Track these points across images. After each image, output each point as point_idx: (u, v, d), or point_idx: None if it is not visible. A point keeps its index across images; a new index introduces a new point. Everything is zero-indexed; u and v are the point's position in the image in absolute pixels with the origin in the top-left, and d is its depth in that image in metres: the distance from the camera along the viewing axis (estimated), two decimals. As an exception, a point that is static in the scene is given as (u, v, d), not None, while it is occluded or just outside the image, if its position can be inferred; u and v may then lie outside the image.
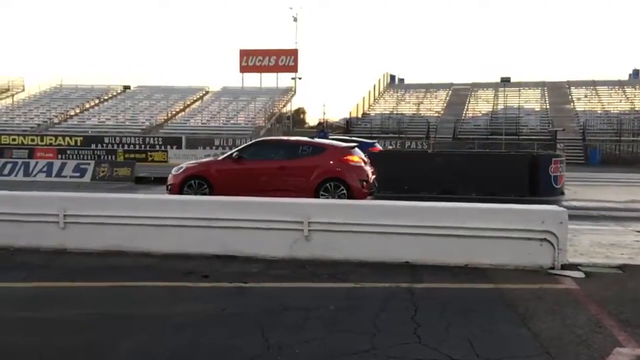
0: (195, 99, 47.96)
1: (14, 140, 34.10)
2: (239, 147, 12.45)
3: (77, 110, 44.47)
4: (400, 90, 51.18)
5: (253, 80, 50.58)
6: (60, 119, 42.25)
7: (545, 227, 6.61)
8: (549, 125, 38.78)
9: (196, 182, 11.19)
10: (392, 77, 53.61)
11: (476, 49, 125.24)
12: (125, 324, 4.76)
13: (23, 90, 49.32)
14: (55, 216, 7.49)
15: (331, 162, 11.13)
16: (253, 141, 12.72)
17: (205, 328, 4.69)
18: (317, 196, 10.53)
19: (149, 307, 5.24)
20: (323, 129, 18.99)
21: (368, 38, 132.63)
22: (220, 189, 10.71)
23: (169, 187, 11.58)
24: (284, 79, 50.32)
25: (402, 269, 6.67)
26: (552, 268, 6.54)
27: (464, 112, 43.99)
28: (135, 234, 7.39)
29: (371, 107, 46.96)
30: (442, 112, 44.32)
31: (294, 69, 49.72)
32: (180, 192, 10.99)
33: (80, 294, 5.66)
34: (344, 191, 10.79)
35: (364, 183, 11.09)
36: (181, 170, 11.62)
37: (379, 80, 50.98)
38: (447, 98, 47.86)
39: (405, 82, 53.99)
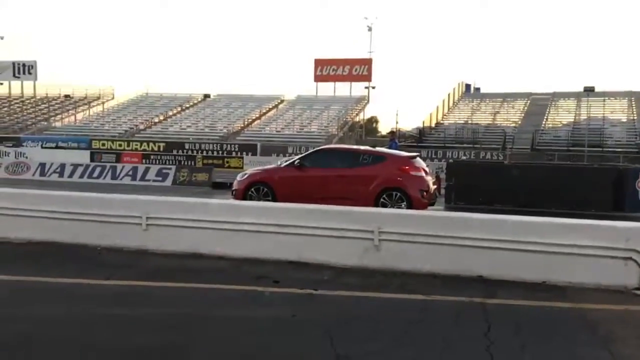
0: (270, 107, 48.98)
1: (103, 145, 36.19)
2: (302, 155, 12.60)
3: (161, 118, 46.56)
4: (476, 100, 49.91)
5: (327, 89, 51.07)
6: (145, 125, 44.39)
7: (630, 245, 6.25)
8: (636, 137, 36.54)
9: (259, 188, 11.45)
10: (468, 86, 52.40)
11: (557, 57, 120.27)
12: (199, 324, 4.93)
13: (113, 98, 52.26)
14: (138, 218, 7.90)
15: (391, 171, 11.07)
16: (315, 149, 12.79)
17: (275, 333, 4.78)
18: (377, 205, 10.50)
19: (222, 309, 5.41)
20: (394, 137, 18.82)
21: (443, 46, 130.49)
22: (282, 196, 10.89)
23: (234, 192, 11.89)
24: (357, 88, 50.44)
25: (474, 283, 6.51)
26: (638, 289, 6.16)
27: (544, 123, 42.23)
28: (211, 238, 7.65)
29: (445, 117, 46.09)
30: (519, 122, 42.78)
31: (367, 78, 49.70)
32: (244, 198, 11.27)
33: (158, 293, 5.93)
34: (404, 201, 10.73)
35: (424, 193, 10.98)
36: (245, 177, 11.94)
37: (454, 89, 49.97)
38: (525, 108, 46.14)
39: (481, 91, 52.58)
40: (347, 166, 11.36)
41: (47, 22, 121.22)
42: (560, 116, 43.67)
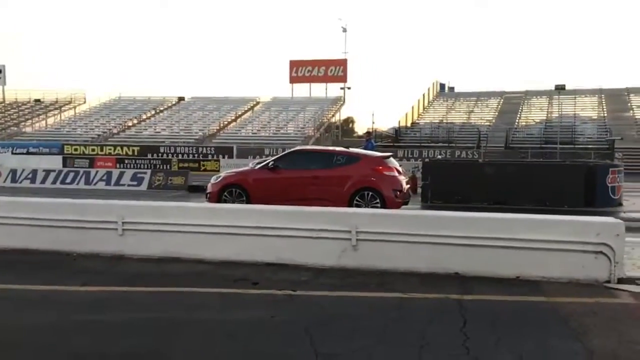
0: (246, 109, 48.89)
1: (75, 150, 35.64)
2: (275, 157, 12.62)
3: (135, 121, 46.10)
4: (450, 99, 50.56)
5: (303, 90, 51.23)
6: (118, 129, 43.90)
7: (600, 239, 6.41)
8: (606, 134, 37.42)
9: (234, 190, 11.47)
10: (442, 86, 53.10)
11: (529, 56, 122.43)
12: (179, 328, 4.92)
13: (84, 102, 51.60)
14: (114, 223, 7.82)
15: (365, 171, 11.18)
16: (288, 151, 12.85)
17: (255, 335, 4.79)
18: (351, 205, 10.58)
19: (201, 312, 5.40)
20: (370, 137, 18.97)
21: (417, 46, 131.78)
22: (256, 198, 10.93)
23: (208, 195, 11.89)
24: (333, 89, 50.76)
25: (451, 280, 6.61)
26: (608, 282, 6.33)
27: (517, 121, 43.00)
28: (189, 241, 7.62)
29: (420, 116, 46.59)
30: (493, 120, 43.49)
31: (343, 79, 50.01)
32: (219, 201, 11.28)
33: (135, 299, 5.89)
34: (378, 201, 10.83)
35: (398, 192, 11.13)
36: (219, 179, 11.95)
37: (429, 89, 50.57)
38: (499, 106, 46.93)
39: (456, 90, 53.35)
40: (321, 167, 11.45)
41: (15, 25, 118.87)
42: (533, 114, 44.51)
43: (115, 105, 50.20)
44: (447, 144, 37.62)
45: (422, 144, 37.28)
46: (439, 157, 30.35)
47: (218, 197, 11.45)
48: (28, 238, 8.03)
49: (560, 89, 40.37)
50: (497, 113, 45.46)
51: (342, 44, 66.92)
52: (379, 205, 10.67)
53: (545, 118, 43.10)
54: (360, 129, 71.24)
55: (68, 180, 19.36)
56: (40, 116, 49.13)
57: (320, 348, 4.42)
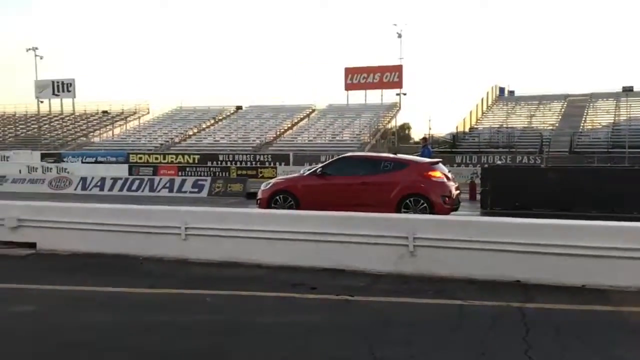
0: (302, 117, 49.32)
1: (140, 158, 37.02)
2: (324, 163, 12.65)
3: (195, 130, 47.39)
4: (511, 103, 49.24)
5: (358, 97, 51.16)
6: (180, 138, 45.25)
7: (673, 247, 6.12)
8: (680, 137, 35.38)
9: (283, 197, 11.60)
10: (502, 90, 51.77)
11: (594, 57, 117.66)
12: (239, 330, 5.05)
13: (148, 113, 53.52)
14: (177, 228, 8.11)
15: (413, 177, 11.11)
16: (337, 157, 12.84)
17: (313, 338, 4.87)
18: (399, 211, 10.48)
19: (261, 315, 5.52)
20: (426, 143, 18.77)
21: (475, 50, 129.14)
22: (305, 204, 10.99)
23: (258, 201, 12.07)
24: (388, 95, 50.40)
25: (512, 288, 6.47)
26: (682, 292, 6.03)
27: (582, 125, 41.36)
28: (248, 247, 7.80)
29: (479, 121, 45.59)
30: (556, 124, 42.01)
31: (398, 85, 49.60)
32: (269, 206, 11.43)
33: (197, 300, 6.08)
34: (426, 207, 10.71)
35: (447, 199, 10.98)
36: (269, 186, 12.13)
37: (488, 93, 49.43)
38: (563, 110, 45.30)
39: (516, 94, 51.89)
40: (369, 173, 11.43)
41: (84, 40, 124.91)
42: (599, 117, 42.70)
43: (176, 115, 51.82)
44: (507, 149, 36.62)
45: (481, 150, 36.44)
46: (499, 162, 29.63)
47: (268, 203, 11.62)
48: (99, 242, 8.43)
49: (628, 90, 38.66)
50: (560, 117, 43.90)
51: (397, 49, 66.43)
52: (427, 211, 10.58)
53: (612, 121, 41.26)
54: (416, 135, 70.48)
55: (134, 187, 20.15)
56: (108, 127, 51.35)
57: (377, 352, 4.44)
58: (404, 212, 10.47)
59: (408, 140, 63.80)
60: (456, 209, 11.43)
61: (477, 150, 36.32)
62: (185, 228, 8.08)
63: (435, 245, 7.12)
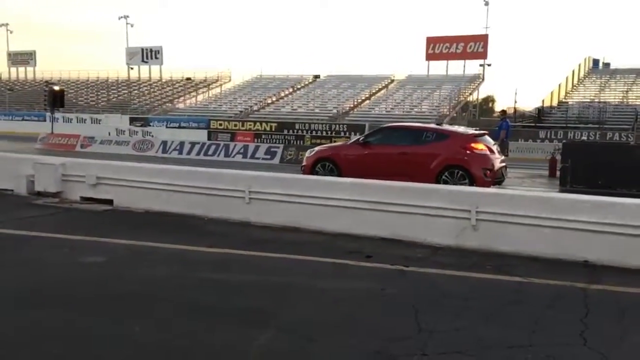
0: (380, 87, 48.67)
1: (220, 125, 38.09)
2: (367, 132, 12.63)
3: (274, 99, 48.05)
4: (605, 76, 46.04)
5: (439, 67, 49.70)
6: (259, 106, 46.08)
7: None
8: None
9: (325, 164, 11.74)
10: (595, 62, 48.45)
11: None
12: (291, 292, 5.15)
13: (230, 80, 54.78)
14: (242, 192, 8.31)
15: (454, 149, 10.97)
16: (380, 127, 12.76)
17: (362, 304, 4.87)
18: (438, 182, 10.31)
19: (314, 279, 5.58)
20: (505, 117, 18.02)
21: (567, 19, 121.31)
22: (347, 172, 11.04)
23: (302, 168, 12.30)
24: (471, 66, 48.56)
25: (578, 268, 6.16)
26: None
27: (684, 100, 38.09)
28: (309, 213, 7.87)
29: (568, 95, 43.05)
30: (655, 100, 38.93)
31: (483, 55, 47.60)
32: (312, 173, 11.62)
33: (255, 262, 6.24)
34: (466, 179, 10.55)
35: (488, 171, 10.77)
36: (313, 153, 12.36)
37: (579, 65, 46.45)
38: (663, 84, 41.87)
39: (612, 66, 48.42)
40: (410, 144, 11.39)
41: (171, 8, 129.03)
42: None
43: (256, 83, 52.70)
44: (597, 125, 34.45)
45: (569, 125, 34.50)
46: (584, 138, 27.97)
47: (311, 170, 11.83)
48: (169, 202, 8.81)
49: None
50: (659, 92, 40.64)
51: (483, 18, 63.80)
52: (467, 183, 10.40)
53: None
54: (500, 108, 67.80)
55: (210, 152, 20.86)
56: (192, 93, 53.12)
57: (423, 323, 4.38)
58: (444, 183, 10.30)
59: (491, 114, 61.52)
60: (500, 183, 11.23)
61: (564, 125, 34.41)
62: (249, 192, 8.26)
63: (499, 220, 6.87)
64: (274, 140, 28.02)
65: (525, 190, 11.09)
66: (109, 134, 29.22)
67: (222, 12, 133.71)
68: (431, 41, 49.34)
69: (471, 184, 10.35)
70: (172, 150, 21.52)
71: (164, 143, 22.10)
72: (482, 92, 53.41)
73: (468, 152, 10.92)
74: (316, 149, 12.91)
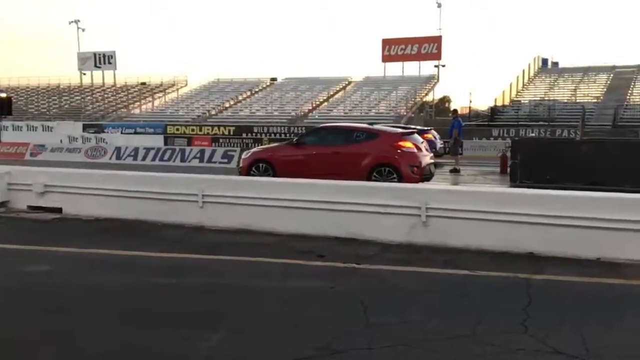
0: (338, 89, 48.98)
1: (177, 130, 37.65)
2: (302, 133, 13.07)
3: (232, 102, 47.73)
4: (553, 75, 47.57)
5: (395, 69, 50.40)
6: (216, 110, 45.70)
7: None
8: None
9: (261, 165, 12.00)
10: (545, 61, 50.01)
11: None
12: (242, 294, 5.13)
13: (186, 85, 54.06)
14: (195, 196, 8.24)
15: (383, 147, 11.33)
16: (313, 128, 13.27)
17: (310, 303, 4.91)
18: (369, 180, 10.60)
19: (264, 280, 5.59)
20: (456, 116, 18.48)
21: (517, 20, 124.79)
22: (281, 172, 11.34)
23: (239, 169, 12.72)
24: (427, 67, 49.44)
25: (524, 260, 6.35)
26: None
27: (628, 97, 39.71)
28: (261, 214, 7.87)
29: (519, 94, 44.30)
30: (601, 97, 40.44)
31: (437, 56, 48.54)
32: (248, 174, 11.88)
33: (208, 266, 6.21)
34: (395, 176, 10.93)
35: (415, 169, 11.20)
36: (249, 155, 12.67)
37: (529, 65, 47.87)
38: (608, 82, 43.50)
39: (560, 65, 50.09)
40: (342, 143, 11.67)
41: (124, 13, 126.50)
42: (646, 90, 40.86)
43: (213, 87, 52.24)
44: (547, 123, 35.56)
45: (520, 123, 35.50)
46: (532, 135, 28.80)
47: (247, 171, 12.05)
48: (120, 208, 8.64)
49: (679, 61, 36.66)
50: (605, 89, 42.24)
51: (436, 20, 64.98)
52: (396, 180, 10.76)
53: (661, 94, 39.45)
54: (456, 107, 69.14)
55: (166, 157, 20.58)
56: (147, 98, 52.18)
57: (372, 318, 4.45)
58: (375, 181, 10.50)
59: (448, 113, 62.64)
60: (427, 179, 11.66)
61: (516, 123, 35.39)
62: (202, 195, 8.20)
63: (448, 216, 7.02)
64: (232, 144, 27.88)
65: (475, 186, 11.38)
66: (61, 142, 28.45)
67: (176, 15, 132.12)
68: (387, 43, 50.00)
69: (399, 180, 10.69)
70: (126, 156, 21.14)
71: (118, 149, 21.69)
72: (438, 93, 54.45)
73: (396, 150, 11.32)
74: (252, 150, 13.26)
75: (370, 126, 12.63)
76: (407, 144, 11.51)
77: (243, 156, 12.90)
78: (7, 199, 9.37)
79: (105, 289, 5.29)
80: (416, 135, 12.32)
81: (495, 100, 43.07)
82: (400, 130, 12.77)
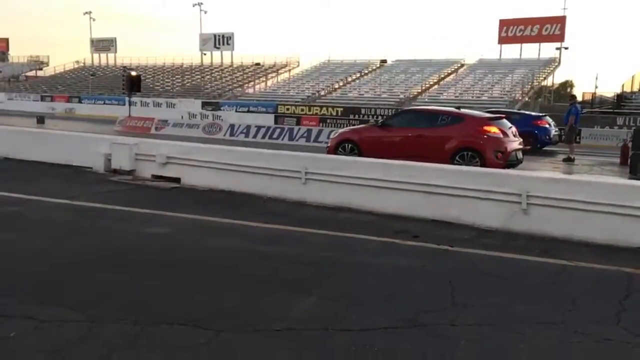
0: (449, 72, 47.76)
1: (287, 109, 38.86)
2: (388, 116, 13.24)
3: (341, 84, 48.26)
4: (695, 59, 43.00)
5: (512, 51, 48.14)
6: (326, 91, 46.47)
7: None
8: None
9: (348, 145, 12.31)
10: (684, 44, 45.26)
11: None
12: (336, 265, 5.45)
13: (298, 66, 55.46)
14: (298, 172, 8.68)
15: (467, 132, 11.29)
16: (400, 110, 13.36)
17: (401, 279, 5.12)
18: (452, 164, 10.43)
19: (359, 255, 5.86)
20: (574, 102, 17.44)
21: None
22: (366, 152, 11.53)
23: (327, 149, 13.01)
24: (547, 50, 46.70)
25: (631, 254, 6.12)
26: None
27: None
28: (361, 193, 8.14)
29: (653, 79, 40.58)
30: None
31: (559, 38, 45.65)
32: (335, 153, 12.13)
33: (306, 237, 6.59)
34: (478, 161, 10.78)
35: (499, 154, 11.05)
36: (336, 135, 13.09)
37: (667, 48, 43.62)
38: None
39: (703, 48, 45.11)
40: (426, 126, 11.77)
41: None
42: None
43: (324, 68, 53.07)
44: (682, 112, 32.33)
45: (649, 112, 32.62)
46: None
47: (334, 151, 12.39)
48: (232, 181, 9.31)
49: None
50: None
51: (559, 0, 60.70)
52: (479, 165, 10.59)
53: None
54: (580, 93, 64.72)
55: (275, 135, 21.45)
56: (261, 78, 54.26)
57: (458, 297, 4.57)
58: (457, 164, 10.39)
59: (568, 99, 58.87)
60: (514, 165, 11.33)
61: (644, 111, 32.59)
62: (305, 173, 8.61)
63: (550, 205, 6.87)
64: (339, 125, 28.30)
65: (588, 176, 10.85)
66: (182, 117, 30.51)
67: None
68: (504, 24, 47.81)
69: (482, 165, 10.56)
70: (239, 133, 22.30)
71: (232, 126, 22.91)
72: (559, 77, 51.61)
73: (481, 134, 11.23)
74: (339, 131, 13.65)
75: (455, 110, 12.50)
76: (493, 129, 11.37)
77: (331, 136, 13.44)
78: (135, 167, 10.42)
79: (214, 251, 5.84)
80: (504, 121, 12.09)
81: (623, 86, 39.86)
82: (487, 115, 12.47)
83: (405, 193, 7.82)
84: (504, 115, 12.97)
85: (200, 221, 7.22)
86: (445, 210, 7.47)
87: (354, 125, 28.75)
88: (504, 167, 10.57)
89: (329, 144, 13.23)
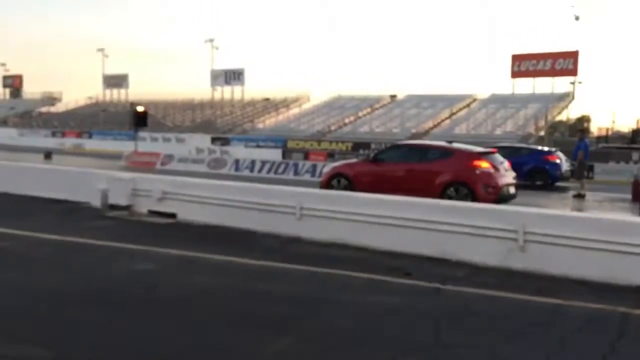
0: (462, 106, 47.83)
1: (297, 144, 39.10)
2: (379, 150, 13.46)
3: (352, 118, 48.54)
4: None
5: (525, 86, 48.14)
6: (336, 126, 46.73)
7: None
8: None
9: (340, 179, 12.45)
10: (698, 78, 45.02)
11: None
12: (319, 304, 5.33)
13: (309, 100, 56.03)
14: (293, 208, 8.58)
15: (457, 166, 11.32)
16: (391, 145, 13.46)
17: (384, 318, 4.96)
18: (442, 198, 10.39)
19: (346, 293, 5.71)
20: (583, 137, 17.23)
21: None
22: (359, 187, 11.54)
23: (320, 183, 13.13)
24: (560, 84, 46.66)
25: (628, 294, 5.89)
26: None
27: None
28: (357, 229, 7.99)
29: (666, 114, 40.22)
30: None
31: (573, 72, 45.64)
32: (328, 187, 12.22)
33: (295, 275, 6.46)
34: (468, 195, 10.74)
35: (489, 189, 11.04)
36: (330, 169, 13.34)
37: (679, 82, 43.38)
38: None
39: None
40: (416, 161, 11.89)
41: (253, 31, 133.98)
42: None
43: (335, 103, 53.49)
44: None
45: (665, 147, 32.22)
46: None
47: (327, 184, 12.54)
48: (227, 216, 9.22)
49: None
50: None
51: (573, 34, 61.04)
52: (469, 199, 10.55)
53: None
54: (596, 128, 64.25)
55: (280, 170, 21.49)
56: (271, 113, 54.82)
57: (442, 338, 4.41)
58: (448, 199, 10.35)
59: (587, 134, 58.33)
60: (504, 200, 11.20)
61: (658, 147, 32.23)
62: (300, 208, 8.51)
63: (548, 242, 6.68)
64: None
65: (586, 212, 10.64)
66: (189, 153, 30.74)
67: (303, 33, 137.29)
68: (517, 58, 48.04)
69: (473, 199, 10.49)
70: (244, 168, 22.36)
71: (237, 161, 22.99)
72: (575, 112, 51.09)
73: (471, 169, 11.22)
74: (333, 164, 13.86)
75: (446, 144, 12.50)
76: (484, 164, 11.34)
77: (325, 170, 13.65)
78: (132, 202, 10.40)
79: (198, 289, 5.73)
80: (496, 155, 12.12)
81: (638, 121, 39.55)
82: (478, 149, 12.44)
83: (401, 229, 7.66)
84: (495, 150, 12.95)
85: (189, 257, 7.12)
86: (441, 247, 7.30)
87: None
88: (495, 202, 10.43)
89: (322, 178, 13.37)
